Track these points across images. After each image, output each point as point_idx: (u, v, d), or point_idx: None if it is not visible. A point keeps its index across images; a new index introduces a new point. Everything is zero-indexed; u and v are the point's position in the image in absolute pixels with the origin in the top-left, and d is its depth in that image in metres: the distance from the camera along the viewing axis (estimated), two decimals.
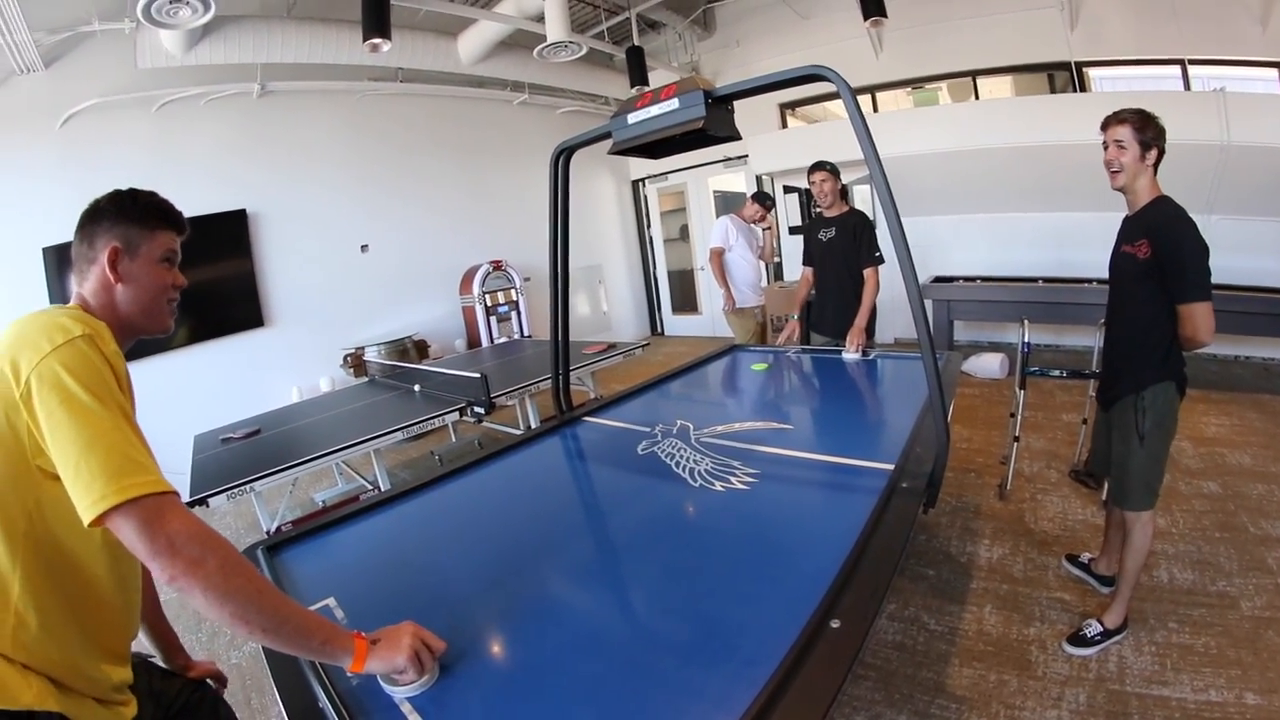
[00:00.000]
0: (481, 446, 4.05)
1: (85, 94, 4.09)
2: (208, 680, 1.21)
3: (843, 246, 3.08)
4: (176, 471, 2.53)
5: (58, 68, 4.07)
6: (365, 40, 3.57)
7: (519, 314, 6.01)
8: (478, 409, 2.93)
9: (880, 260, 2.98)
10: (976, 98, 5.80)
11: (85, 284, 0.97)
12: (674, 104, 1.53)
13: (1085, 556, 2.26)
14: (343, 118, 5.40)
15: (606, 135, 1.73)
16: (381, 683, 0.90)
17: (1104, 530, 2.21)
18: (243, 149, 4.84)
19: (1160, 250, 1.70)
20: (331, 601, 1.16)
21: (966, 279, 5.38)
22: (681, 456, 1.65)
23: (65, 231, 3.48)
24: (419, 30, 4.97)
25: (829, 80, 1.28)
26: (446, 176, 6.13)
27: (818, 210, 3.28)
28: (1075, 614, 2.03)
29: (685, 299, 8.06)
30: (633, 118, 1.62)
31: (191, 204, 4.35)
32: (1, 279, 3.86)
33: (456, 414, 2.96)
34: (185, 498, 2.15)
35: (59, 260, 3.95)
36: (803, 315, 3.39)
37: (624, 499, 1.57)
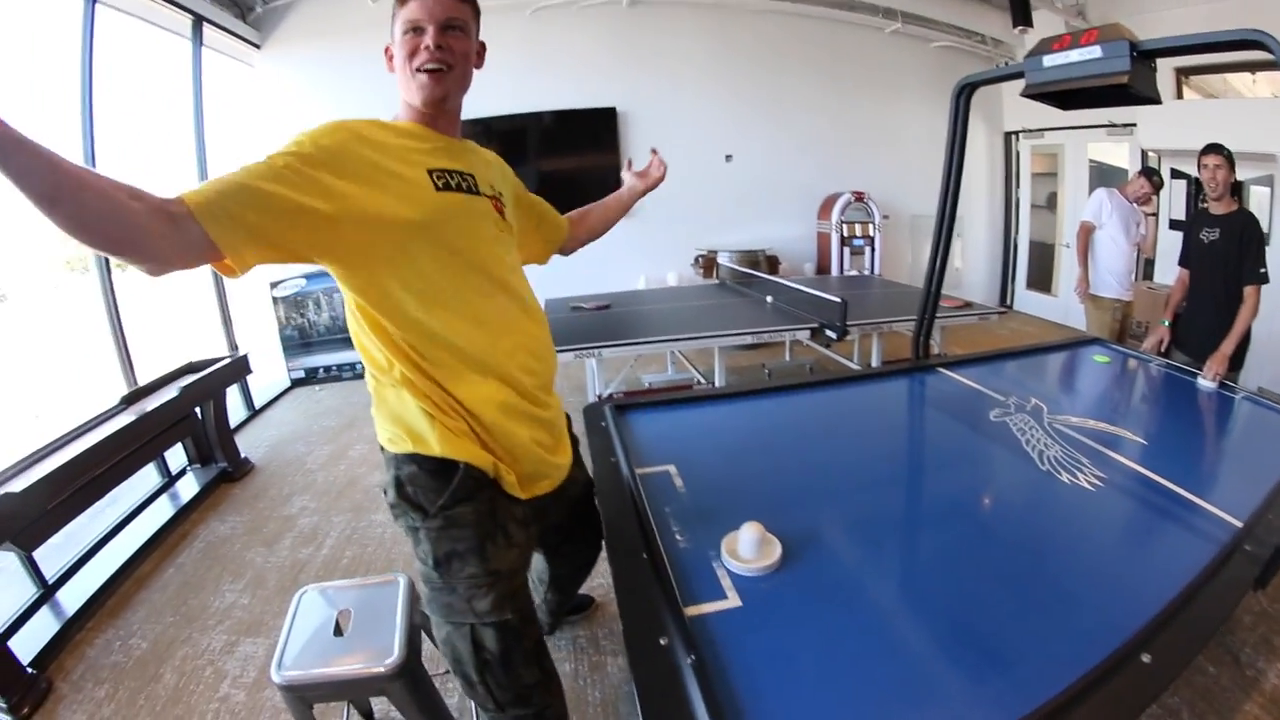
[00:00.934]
0: (812, 371, 4.22)
1: None
2: None
3: (1225, 252, 2.49)
4: None
5: None
6: None
7: (872, 250, 5.87)
8: (830, 332, 2.97)
9: (1264, 279, 2.36)
10: None
11: None
12: (1095, 52, 1.39)
13: None
14: (710, 31, 5.63)
15: (1017, 75, 1.67)
16: (726, 560, 1.10)
17: None
18: (613, 53, 5.40)
19: None
20: (672, 469, 1.36)
21: None
22: (1032, 436, 1.60)
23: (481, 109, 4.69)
24: None
25: (1269, 49, 1.06)
26: (812, 100, 6.05)
27: (1203, 204, 2.74)
28: None
29: (1041, 275, 6.80)
30: (1048, 60, 1.52)
31: (563, 99, 5.23)
32: None
33: (808, 332, 3.05)
34: None
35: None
36: (1173, 323, 2.78)
37: (966, 459, 1.60)
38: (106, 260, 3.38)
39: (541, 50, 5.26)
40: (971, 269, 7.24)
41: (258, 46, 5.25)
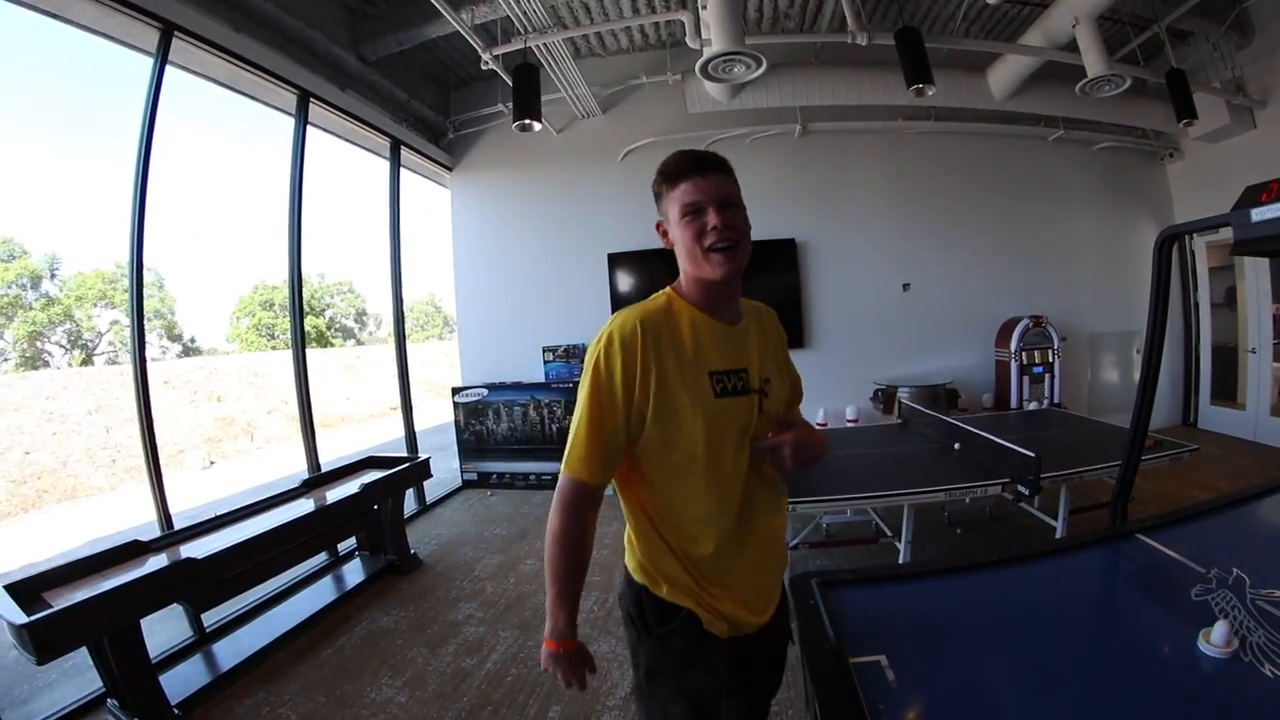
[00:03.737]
0: (991, 515, 3.98)
1: (640, 135, 5.50)
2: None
3: None
4: None
5: (613, 113, 5.63)
6: (909, 87, 3.79)
7: (1053, 377, 5.44)
8: (1021, 488, 2.76)
9: None
10: None
11: None
12: None
13: None
14: (881, 155, 5.73)
15: (1222, 224, 1.54)
16: None
17: None
18: (788, 183, 5.59)
19: None
20: (883, 659, 1.24)
21: None
22: (1235, 617, 1.33)
23: (623, 242, 5.29)
24: (946, 67, 4.94)
25: None
26: (982, 219, 5.90)
27: None
28: None
29: (1226, 385, 5.88)
30: (1257, 214, 1.40)
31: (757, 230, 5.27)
32: (582, 277, 5.66)
33: (999, 488, 2.83)
34: None
35: (616, 264, 5.58)
36: None
37: (1170, 653, 1.34)
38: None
39: None
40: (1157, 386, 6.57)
41: (449, 169, 5.99)
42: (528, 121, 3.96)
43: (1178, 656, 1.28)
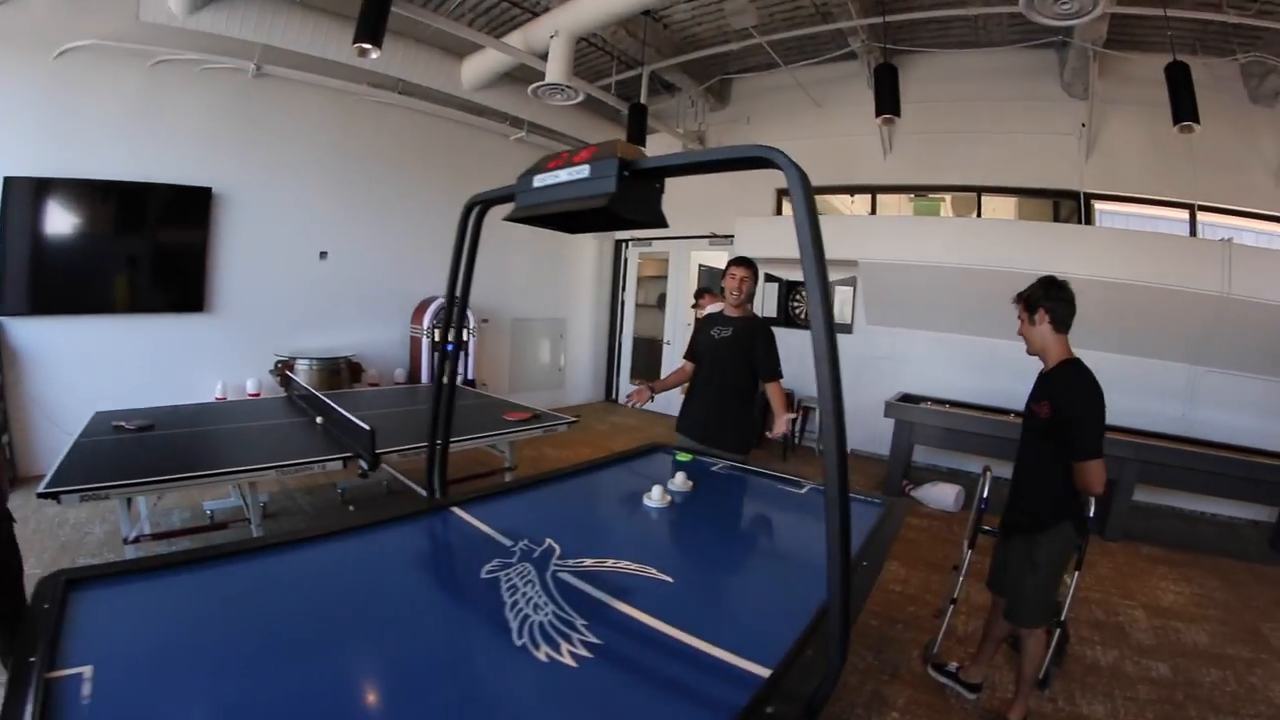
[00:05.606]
0: (390, 491, 3.77)
1: (84, 32, 3.99)
2: None
3: (733, 350, 2.84)
4: (56, 450, 2.41)
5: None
6: (355, 43, 3.49)
7: (466, 355, 5.74)
8: (362, 462, 2.61)
9: (780, 375, 2.80)
10: (979, 214, 5.67)
11: None
12: (584, 171, 1.21)
13: (953, 665, 2.31)
14: (332, 116, 5.25)
15: (511, 191, 1.44)
16: None
17: (980, 640, 2.30)
18: (226, 127, 4.70)
19: (1058, 413, 1.91)
20: (88, 671, 0.94)
21: (935, 401, 5.09)
22: (524, 594, 1.32)
23: (34, 165, 3.16)
24: (425, 45, 4.86)
25: (778, 166, 0.96)
26: (424, 199, 5.89)
27: (718, 308, 3.07)
28: None
29: (649, 370, 7.77)
30: (539, 180, 1.33)
31: (159, 171, 3.90)
32: None
33: (340, 464, 2.62)
34: (41, 486, 2.02)
35: (17, 193, 3.86)
36: (655, 392, 2.94)
37: (428, 642, 1.21)
38: None
39: (154, 111, 4.39)
40: (576, 367, 7.78)
41: None
42: None
43: (456, 639, 1.20)
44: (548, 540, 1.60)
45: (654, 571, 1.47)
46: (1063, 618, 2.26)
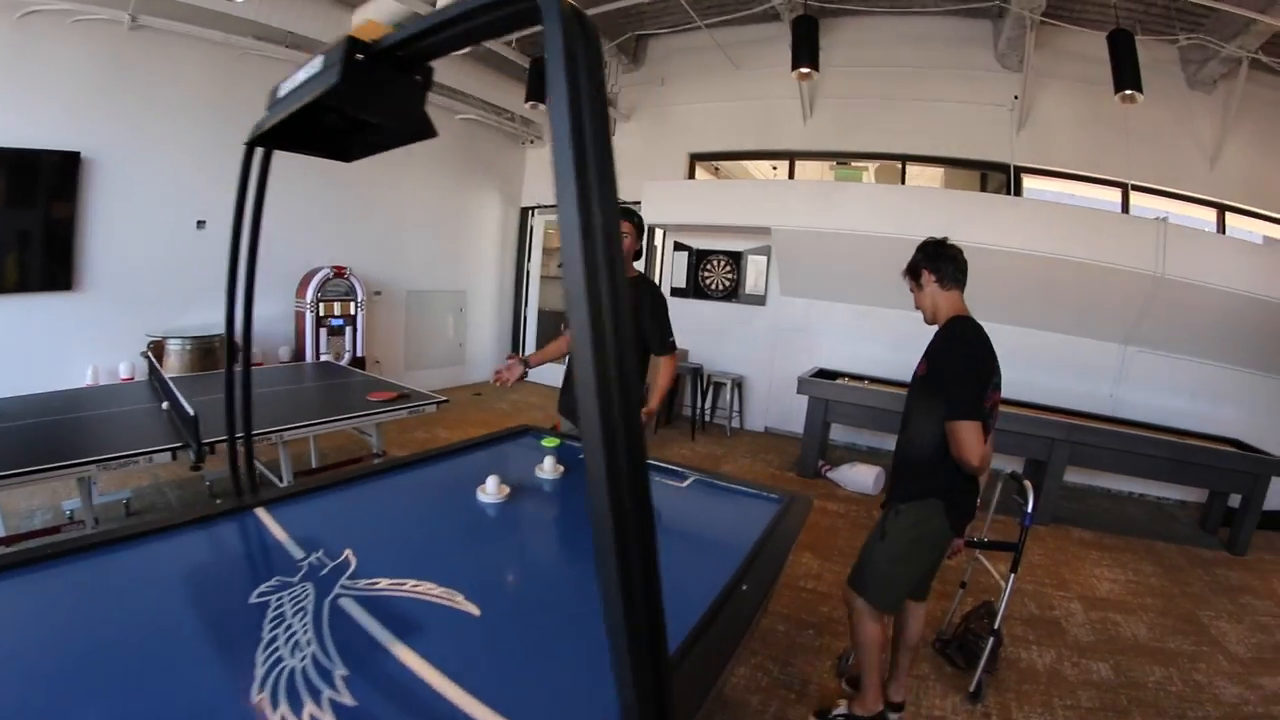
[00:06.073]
0: (211, 490, 3.41)
1: None
2: None
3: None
4: None
5: None
6: None
7: (355, 331, 5.27)
8: (191, 454, 2.26)
9: (674, 349, 2.42)
10: (903, 183, 5.44)
11: None
12: (317, 64, 0.91)
13: (840, 708, 1.92)
14: (214, 75, 4.72)
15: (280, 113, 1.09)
16: None
17: (893, 650, 1.98)
18: (99, 84, 4.17)
19: (932, 368, 1.74)
20: None
21: (854, 377, 4.82)
22: (289, 626, 1.01)
23: None
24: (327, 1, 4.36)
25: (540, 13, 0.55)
26: (313, 162, 4.87)
27: None
28: None
29: (553, 339, 7.56)
30: (285, 85, 1.04)
31: (22, 134, 3.28)
32: None
33: (169, 455, 2.26)
34: None
35: None
36: (530, 366, 2.54)
37: (140, 701, 0.84)
38: None
39: (20, 68, 3.92)
40: (477, 341, 7.25)
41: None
42: None
43: (175, 697, 0.84)
44: (346, 551, 1.26)
45: (460, 599, 1.12)
46: (998, 625, 2.06)
